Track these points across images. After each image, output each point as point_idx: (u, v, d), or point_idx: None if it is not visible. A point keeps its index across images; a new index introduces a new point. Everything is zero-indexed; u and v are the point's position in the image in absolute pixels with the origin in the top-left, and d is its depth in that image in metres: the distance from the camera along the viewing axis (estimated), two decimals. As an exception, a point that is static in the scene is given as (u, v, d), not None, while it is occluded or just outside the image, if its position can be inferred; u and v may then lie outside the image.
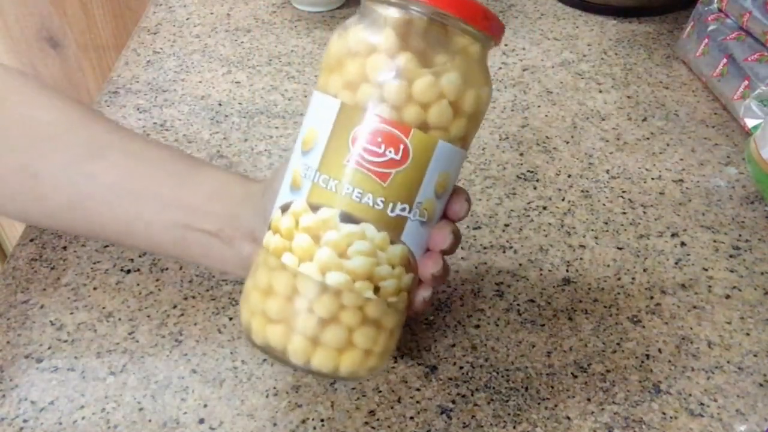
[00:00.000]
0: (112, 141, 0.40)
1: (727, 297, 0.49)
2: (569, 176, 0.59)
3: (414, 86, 0.31)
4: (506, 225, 0.54)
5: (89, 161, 0.38)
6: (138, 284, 0.49)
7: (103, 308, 0.47)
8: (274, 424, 0.41)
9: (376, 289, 0.33)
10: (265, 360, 0.44)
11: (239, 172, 0.45)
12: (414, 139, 0.32)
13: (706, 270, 0.51)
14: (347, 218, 0.32)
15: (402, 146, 0.32)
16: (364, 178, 0.32)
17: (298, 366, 0.33)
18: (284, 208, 0.34)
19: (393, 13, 0.32)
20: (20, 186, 0.39)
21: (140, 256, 0.51)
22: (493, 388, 0.43)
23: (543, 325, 0.47)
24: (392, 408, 0.42)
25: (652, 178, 0.59)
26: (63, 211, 0.39)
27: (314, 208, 0.32)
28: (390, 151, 0.31)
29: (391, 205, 0.32)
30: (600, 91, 0.69)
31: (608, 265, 0.51)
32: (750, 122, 0.62)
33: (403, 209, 0.32)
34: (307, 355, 0.33)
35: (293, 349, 0.33)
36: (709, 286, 0.50)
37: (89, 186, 0.38)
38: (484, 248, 0.52)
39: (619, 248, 0.53)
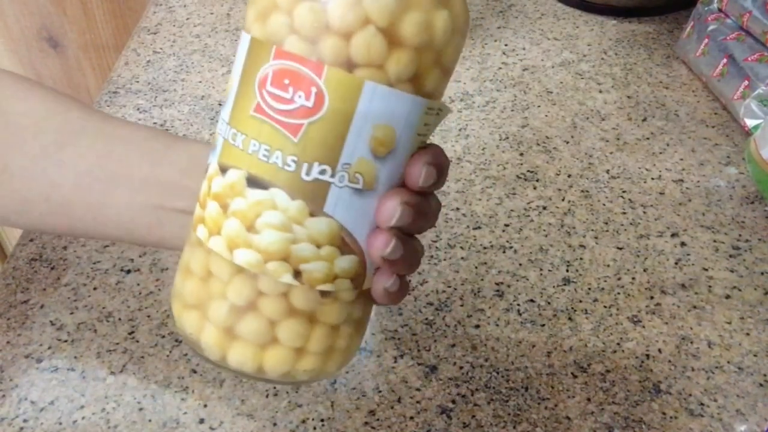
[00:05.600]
0: (85, 126, 0.37)
1: (727, 297, 0.49)
2: (569, 176, 0.59)
3: (328, 9, 0.24)
4: (506, 225, 0.54)
5: (60, 149, 0.36)
6: (138, 284, 0.49)
7: (103, 308, 0.47)
8: (274, 424, 0.41)
9: (297, 274, 0.26)
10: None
11: None
12: (329, 79, 0.24)
13: (706, 270, 0.51)
14: (254, 182, 0.26)
15: (314, 89, 0.25)
16: (271, 131, 0.25)
17: (214, 362, 0.28)
18: (205, 172, 0.29)
19: None
20: None
21: (140, 256, 0.51)
22: (493, 388, 0.43)
23: (543, 325, 0.47)
24: (392, 408, 0.42)
25: (652, 178, 0.59)
26: (36, 204, 0.37)
27: (223, 170, 0.27)
28: (299, 96, 0.25)
29: (305, 166, 0.25)
30: (600, 91, 0.69)
31: (608, 265, 0.51)
32: (750, 122, 0.62)
33: (323, 172, 0.25)
34: (222, 349, 0.27)
35: (206, 340, 0.28)
36: (709, 286, 0.50)
37: (60, 175, 0.36)
38: (484, 248, 0.52)
39: (619, 248, 0.53)
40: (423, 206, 0.28)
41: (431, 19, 0.25)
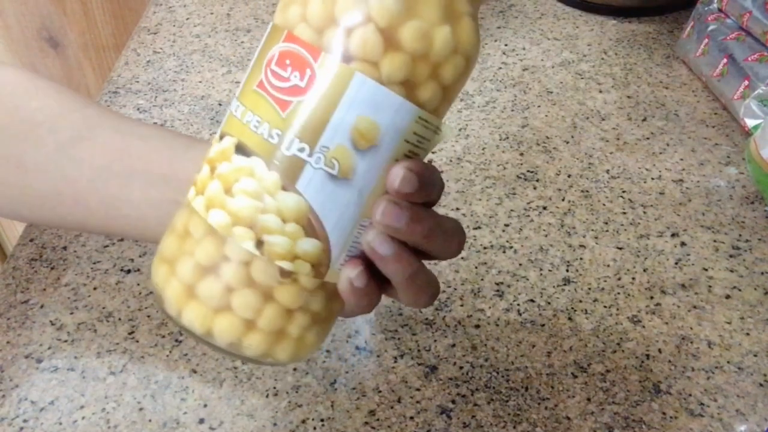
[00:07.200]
0: (102, 122, 0.38)
1: (727, 297, 0.49)
2: (569, 176, 0.59)
3: (337, 4, 0.27)
4: (506, 225, 0.54)
5: (77, 144, 0.37)
6: (138, 284, 0.49)
7: (103, 308, 0.47)
8: (274, 424, 0.41)
9: (259, 243, 0.27)
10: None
11: None
12: (323, 64, 0.26)
13: (706, 270, 0.51)
14: (241, 149, 0.28)
15: (308, 71, 0.27)
16: (265, 104, 0.27)
17: (170, 316, 0.29)
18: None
19: None
20: (6, 177, 0.37)
21: (140, 256, 0.51)
22: (493, 388, 0.43)
23: (543, 325, 0.47)
24: (392, 408, 0.42)
25: (652, 178, 0.59)
26: (49, 199, 0.38)
27: (222, 137, 0.29)
28: (295, 75, 0.27)
29: (287, 140, 0.27)
30: (600, 91, 0.69)
31: (608, 265, 0.51)
32: (750, 122, 0.62)
33: (302, 149, 0.27)
34: (179, 305, 0.29)
35: (168, 294, 0.29)
36: (709, 286, 0.50)
37: (76, 170, 0.37)
38: (484, 248, 0.52)
39: (619, 248, 0.53)
40: (403, 212, 0.28)
41: (431, 31, 0.27)
